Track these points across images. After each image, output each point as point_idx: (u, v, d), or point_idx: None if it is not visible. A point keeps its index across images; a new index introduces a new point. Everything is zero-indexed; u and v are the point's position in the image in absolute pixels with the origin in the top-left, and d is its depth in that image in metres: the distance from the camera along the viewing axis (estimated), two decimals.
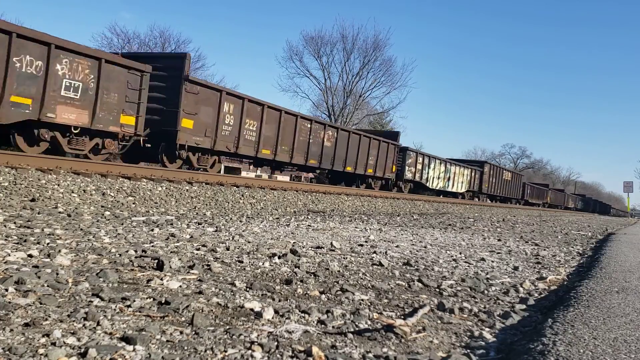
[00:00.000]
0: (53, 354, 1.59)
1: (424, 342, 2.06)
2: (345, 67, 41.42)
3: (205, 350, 1.76)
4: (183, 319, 2.10)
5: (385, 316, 2.37)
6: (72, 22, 75.04)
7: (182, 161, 12.59)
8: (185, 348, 1.77)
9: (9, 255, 2.94)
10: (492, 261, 4.74)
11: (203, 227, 5.50)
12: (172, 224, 5.51)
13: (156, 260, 3.11)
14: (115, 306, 2.17)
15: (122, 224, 5.10)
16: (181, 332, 1.92)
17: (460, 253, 5.17)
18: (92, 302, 2.20)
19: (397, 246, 5.25)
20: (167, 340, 1.83)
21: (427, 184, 25.02)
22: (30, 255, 3.01)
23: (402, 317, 2.40)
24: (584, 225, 17.26)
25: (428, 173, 24.98)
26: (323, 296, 2.71)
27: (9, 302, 2.07)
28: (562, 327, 2.15)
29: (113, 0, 78.49)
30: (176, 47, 33.46)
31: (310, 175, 19.18)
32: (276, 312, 2.29)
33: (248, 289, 2.70)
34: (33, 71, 8.59)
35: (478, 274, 3.84)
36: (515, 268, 4.40)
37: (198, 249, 3.85)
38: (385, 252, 4.62)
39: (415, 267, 3.95)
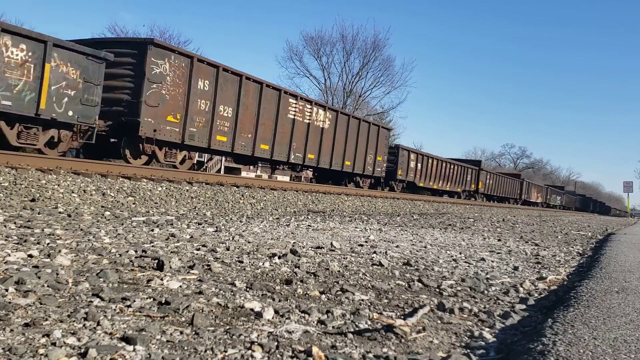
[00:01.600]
0: (53, 354, 1.59)
1: (424, 342, 2.06)
2: (345, 67, 41.46)
3: (205, 351, 1.76)
4: (183, 319, 2.10)
5: (385, 316, 2.37)
6: (72, 22, 75.03)
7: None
8: (186, 348, 1.77)
9: (9, 256, 2.94)
10: (492, 261, 4.74)
11: (203, 227, 5.50)
12: (172, 224, 5.51)
13: (156, 261, 3.11)
14: (116, 306, 2.17)
15: (122, 224, 5.10)
16: (181, 332, 1.92)
17: (460, 253, 5.17)
18: (92, 302, 2.20)
19: (397, 246, 5.25)
20: (167, 341, 1.83)
21: None
22: (30, 256, 3.01)
23: (402, 317, 2.40)
24: (583, 225, 17.26)
25: None
26: (323, 296, 2.71)
27: (9, 302, 2.07)
28: (562, 327, 2.15)
29: (113, 0, 78.47)
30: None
31: None
32: (276, 312, 2.29)
33: (248, 289, 2.70)
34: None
35: (478, 274, 3.84)
36: (515, 268, 4.40)
37: (198, 249, 3.85)
38: (385, 252, 4.62)
39: (415, 267, 3.95)
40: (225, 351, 1.77)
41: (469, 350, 1.99)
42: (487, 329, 2.32)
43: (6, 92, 8.66)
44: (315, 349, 1.80)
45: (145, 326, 1.94)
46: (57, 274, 2.58)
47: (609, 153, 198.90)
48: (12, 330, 1.77)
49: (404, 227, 8.38)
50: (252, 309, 2.31)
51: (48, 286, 2.36)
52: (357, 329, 2.15)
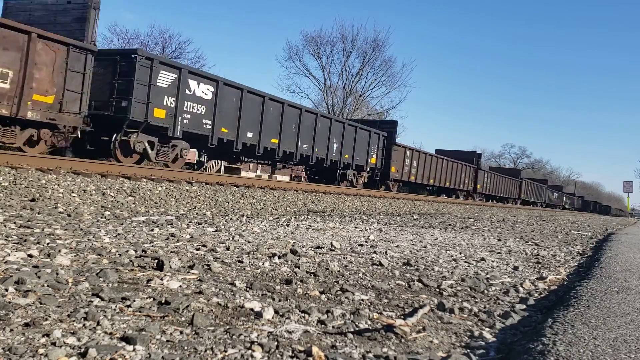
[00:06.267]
0: (53, 354, 1.59)
1: (424, 342, 2.06)
2: (345, 67, 41.44)
3: (205, 350, 1.76)
4: (183, 319, 2.10)
5: (385, 316, 2.37)
6: None
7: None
8: (185, 348, 1.77)
9: (9, 255, 2.94)
10: (492, 261, 4.74)
11: (203, 227, 5.50)
12: (172, 224, 5.51)
13: (156, 260, 3.11)
14: (115, 306, 2.17)
15: (122, 224, 5.10)
16: (181, 332, 1.92)
17: (460, 253, 5.16)
18: (92, 302, 2.20)
19: (397, 246, 5.24)
20: (167, 340, 1.83)
21: None
22: (30, 255, 3.01)
23: (402, 317, 2.40)
24: (583, 225, 17.26)
25: None
26: (323, 296, 2.71)
27: (9, 302, 2.07)
28: (562, 327, 2.15)
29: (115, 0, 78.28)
30: (176, 48, 33.45)
31: None
32: (276, 312, 2.29)
33: (248, 289, 2.70)
34: None
35: (478, 274, 3.84)
36: (515, 268, 4.40)
37: (198, 249, 3.85)
38: (385, 252, 4.62)
39: (415, 267, 3.95)
40: (225, 351, 1.77)
41: (469, 350, 1.99)
42: (487, 329, 2.32)
43: None
44: (315, 349, 1.80)
45: (145, 326, 1.93)
46: (57, 274, 2.58)
47: (609, 153, 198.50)
48: (12, 330, 1.77)
49: (404, 227, 8.37)
50: (252, 309, 2.31)
51: (48, 286, 2.36)
52: (357, 328, 2.15)
